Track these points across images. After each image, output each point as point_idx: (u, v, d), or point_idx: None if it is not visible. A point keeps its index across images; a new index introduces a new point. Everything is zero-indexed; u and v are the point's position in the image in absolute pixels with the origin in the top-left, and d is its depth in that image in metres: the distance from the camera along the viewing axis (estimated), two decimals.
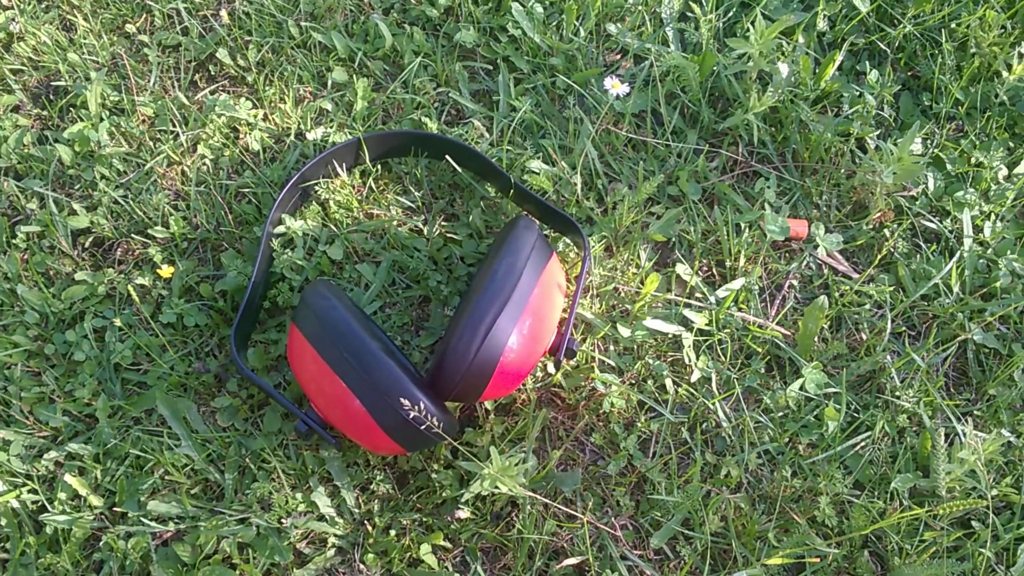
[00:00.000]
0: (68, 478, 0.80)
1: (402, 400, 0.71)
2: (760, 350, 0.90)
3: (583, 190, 0.96)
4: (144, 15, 1.05)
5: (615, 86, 0.93)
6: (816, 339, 0.91)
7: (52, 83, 1.01)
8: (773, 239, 0.94)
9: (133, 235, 0.92)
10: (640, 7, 1.07)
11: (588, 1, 1.05)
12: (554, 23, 1.06)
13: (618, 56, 1.06)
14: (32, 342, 0.86)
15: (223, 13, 1.04)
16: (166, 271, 0.88)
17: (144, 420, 0.84)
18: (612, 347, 0.90)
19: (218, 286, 0.90)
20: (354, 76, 1.02)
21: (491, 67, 1.04)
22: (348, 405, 0.73)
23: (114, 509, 0.80)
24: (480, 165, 0.94)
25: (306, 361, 0.75)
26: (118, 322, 0.87)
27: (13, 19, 1.02)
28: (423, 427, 0.72)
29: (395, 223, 0.93)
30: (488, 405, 0.85)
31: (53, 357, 0.86)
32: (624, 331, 0.90)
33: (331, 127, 0.98)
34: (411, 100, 1.01)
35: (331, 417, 0.76)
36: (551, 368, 0.87)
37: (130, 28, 1.03)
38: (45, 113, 0.99)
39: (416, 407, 0.71)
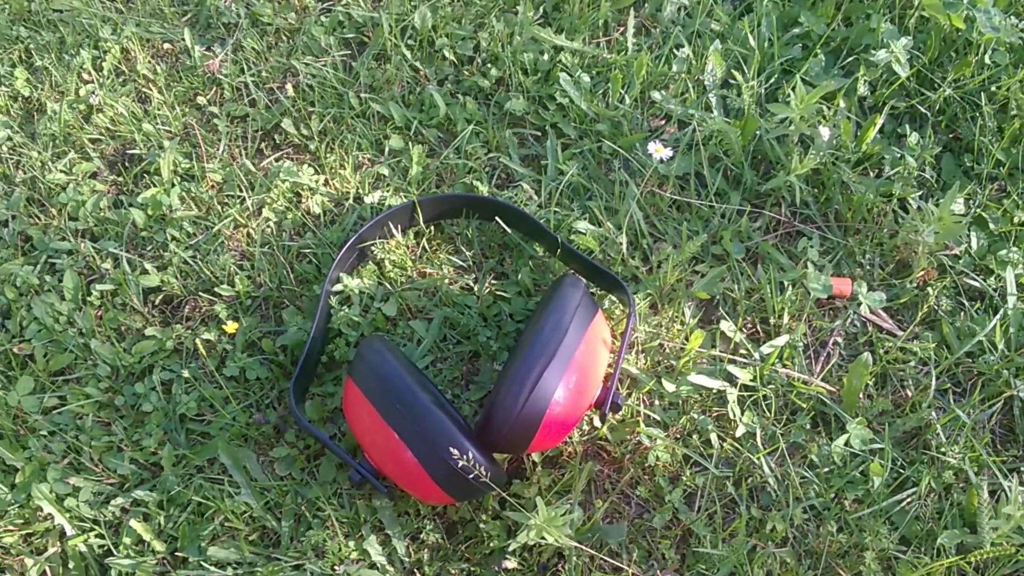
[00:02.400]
0: (133, 523, 0.84)
1: (451, 450, 0.74)
2: (805, 406, 0.92)
3: (628, 250, 1.00)
4: (214, 88, 1.13)
5: (658, 150, 0.98)
6: (861, 395, 0.93)
7: (128, 151, 1.08)
8: (816, 297, 0.96)
9: (200, 293, 0.98)
10: (684, 75, 1.12)
11: (633, 70, 1.10)
12: (600, 91, 1.11)
13: (662, 122, 1.11)
14: (103, 394, 0.92)
15: (288, 86, 1.11)
16: (231, 327, 0.93)
17: (207, 468, 0.89)
18: (657, 402, 0.93)
19: (279, 341, 0.95)
20: (410, 143, 1.08)
21: (539, 133, 1.10)
22: (400, 455, 0.77)
23: (176, 554, 0.84)
24: (529, 226, 0.99)
25: (361, 413, 0.80)
26: (186, 374, 0.92)
27: (93, 92, 1.10)
28: (471, 477, 0.75)
29: (447, 281, 0.98)
30: (535, 457, 0.88)
31: (122, 408, 0.92)
32: (669, 386, 0.93)
33: (387, 191, 1.04)
34: (463, 165, 1.06)
35: (384, 467, 0.80)
36: (597, 422, 0.90)
37: (201, 100, 1.11)
38: (120, 179, 1.06)
39: (464, 457, 0.74)
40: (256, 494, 0.86)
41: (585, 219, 1.02)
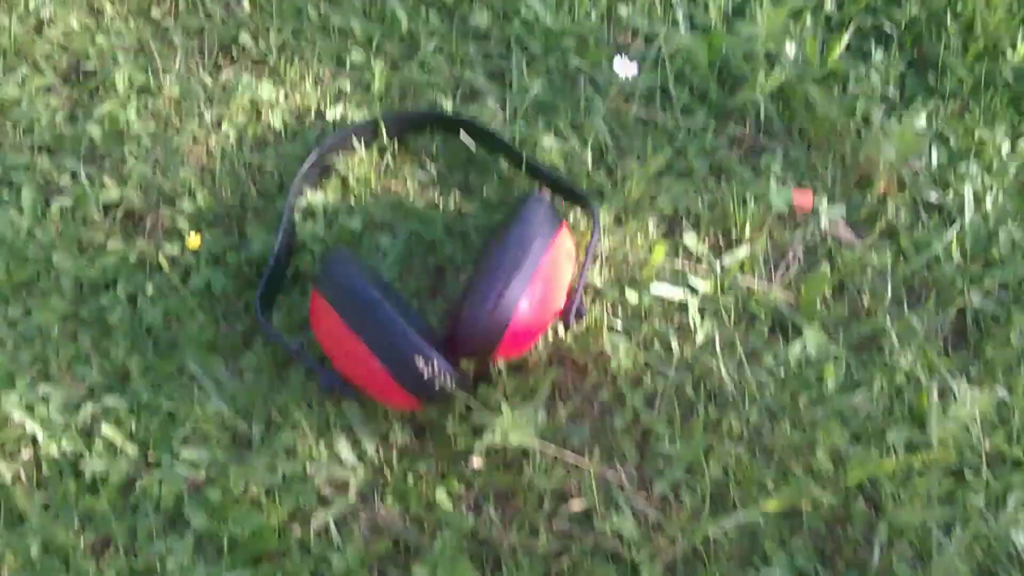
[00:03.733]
0: (105, 429, 0.92)
1: (417, 357, 0.83)
2: (763, 314, 1.01)
3: (594, 165, 1.08)
4: (168, 1, 1.18)
5: (623, 67, 1.06)
6: (818, 303, 1.02)
7: (82, 67, 1.14)
8: (778, 210, 1.05)
9: (162, 206, 1.05)
10: None
11: None
12: (566, 6, 1.19)
13: (629, 37, 1.19)
14: (68, 305, 0.99)
15: (244, 1, 1.18)
16: (194, 241, 1.01)
17: (176, 377, 0.97)
18: (620, 311, 1.02)
19: (244, 254, 1.02)
20: (371, 57, 1.15)
21: (504, 48, 1.17)
22: (368, 363, 0.85)
23: (148, 458, 0.92)
24: (493, 141, 1.07)
25: (327, 323, 0.88)
26: (150, 290, 0.99)
27: (44, 4, 1.16)
28: (436, 383, 0.84)
29: (411, 195, 1.06)
30: (501, 365, 0.97)
31: (88, 320, 0.99)
32: (632, 296, 1.02)
33: (350, 105, 1.11)
34: (426, 80, 1.14)
35: (352, 375, 0.89)
36: (562, 331, 0.99)
37: (155, 13, 1.17)
38: (75, 94, 1.12)
39: (430, 364, 0.83)
40: (227, 399, 0.95)
41: (550, 135, 1.10)
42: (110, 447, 0.92)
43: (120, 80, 1.11)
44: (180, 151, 1.08)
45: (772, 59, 1.15)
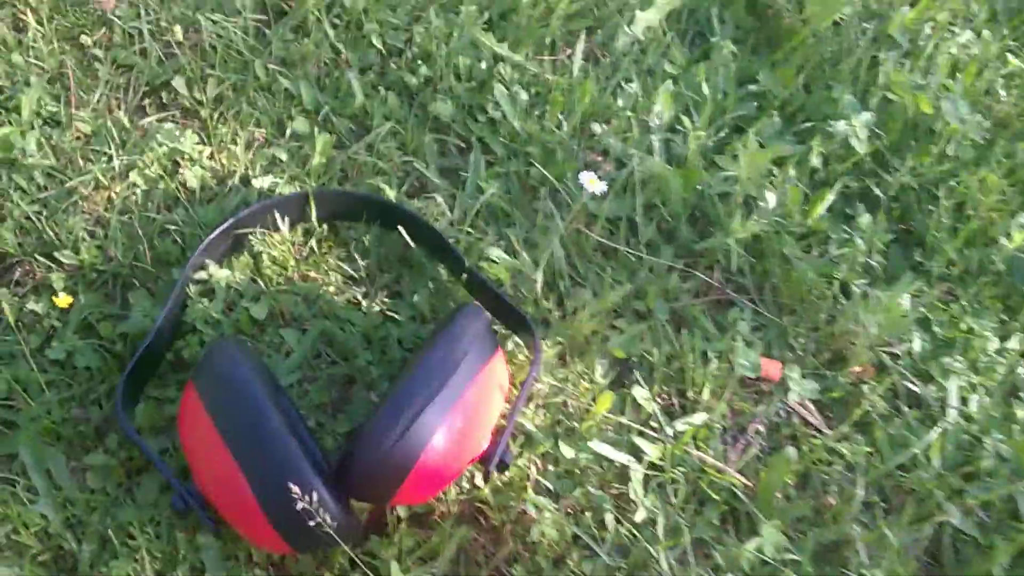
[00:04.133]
0: None
1: (294, 487, 0.64)
2: (716, 497, 0.85)
3: (543, 289, 0.93)
4: (103, 29, 1.02)
5: (592, 182, 0.91)
6: (779, 494, 0.86)
7: None
8: (743, 375, 0.90)
9: (37, 256, 0.86)
10: (629, 112, 1.06)
11: (576, 96, 1.04)
12: (537, 112, 1.04)
13: (599, 157, 1.04)
14: None
15: (182, 38, 1.01)
16: (63, 300, 0.82)
17: (1, 465, 0.76)
18: (551, 467, 0.85)
19: (120, 327, 0.84)
20: (316, 129, 0.99)
21: (464, 145, 1.02)
22: (233, 484, 0.66)
23: None
24: (436, 243, 0.91)
25: (197, 427, 0.69)
26: None
27: None
28: (315, 523, 0.65)
29: (331, 289, 0.89)
30: (401, 512, 0.79)
31: None
32: (567, 451, 0.85)
33: (281, 177, 0.95)
34: (373, 164, 0.98)
35: (214, 496, 0.70)
36: (479, 480, 0.81)
37: (85, 40, 1.00)
38: None
39: (309, 498, 0.64)
40: (57, 505, 0.74)
41: (500, 247, 0.94)
42: None
43: (26, 104, 0.93)
44: (75, 195, 0.90)
45: (749, 205, 1.02)
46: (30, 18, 1.00)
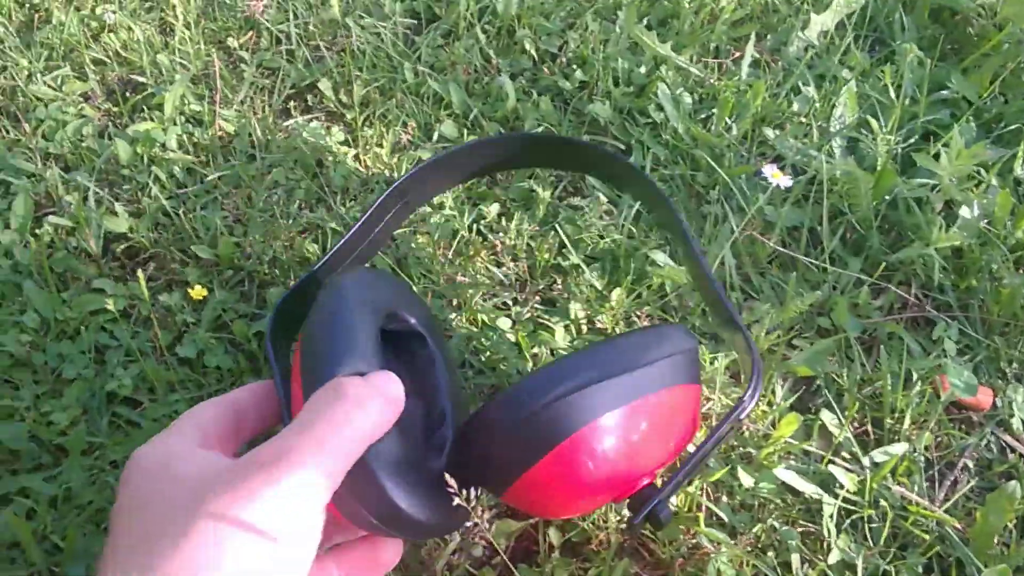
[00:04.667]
0: (10, 518, 0.62)
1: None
2: (924, 539, 0.69)
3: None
4: (250, 32, 0.96)
5: (776, 175, 0.78)
6: (996, 540, 0.70)
7: (131, 80, 0.91)
8: (951, 399, 0.74)
9: (173, 249, 0.78)
10: (804, 118, 0.93)
11: (747, 99, 0.92)
12: (702, 116, 0.93)
13: (772, 164, 0.91)
14: (21, 347, 0.71)
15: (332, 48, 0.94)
16: (198, 292, 0.73)
17: (123, 466, 0.67)
18: (726, 498, 0.71)
19: (255, 327, 0.74)
20: (465, 133, 0.90)
21: (623, 148, 0.91)
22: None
23: (55, 570, 0.62)
24: (644, 190, 0.77)
25: (294, 381, 0.50)
26: (128, 341, 0.72)
27: (112, 11, 0.94)
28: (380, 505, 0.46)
29: (479, 293, 0.78)
30: (553, 538, 0.66)
31: (40, 370, 0.71)
32: (746, 479, 0.70)
33: None
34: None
35: None
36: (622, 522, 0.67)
37: (232, 42, 0.94)
38: (116, 109, 0.88)
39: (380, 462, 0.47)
40: None
41: (664, 252, 0.81)
42: (11, 546, 0.63)
43: (170, 101, 0.87)
44: (215, 192, 0.82)
45: (949, 215, 0.87)
46: (178, 21, 0.95)
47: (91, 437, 0.68)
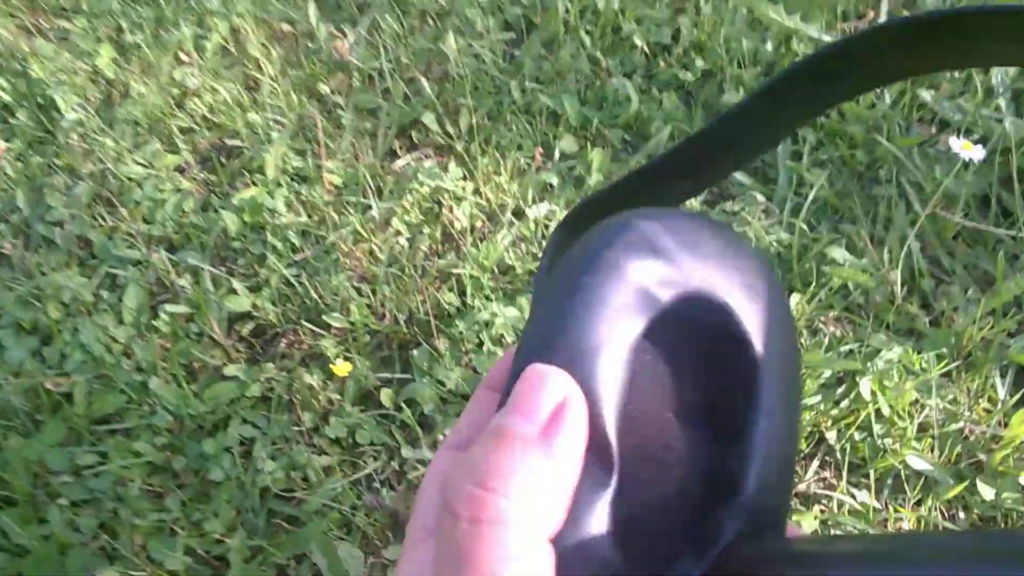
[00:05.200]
0: None
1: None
2: None
3: (904, 292, 0.70)
4: (340, 74, 0.89)
5: (967, 147, 0.69)
6: None
7: (225, 144, 0.85)
8: None
9: (303, 323, 0.71)
10: (958, 73, 0.83)
11: None
12: None
13: (933, 129, 0.81)
14: (159, 452, 0.66)
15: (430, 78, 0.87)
16: (341, 368, 0.67)
17: (291, 569, 0.61)
18: (963, 514, 0.61)
19: (404, 393, 0.67)
20: (588, 145, 0.82)
21: None
22: None
23: None
24: None
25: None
26: (275, 431, 0.65)
27: (191, 75, 0.88)
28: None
29: None
30: None
31: (182, 474, 0.65)
32: (986, 491, 0.61)
33: (558, 203, 0.77)
34: None
35: None
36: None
37: (323, 88, 0.88)
38: (213, 178, 0.82)
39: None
40: None
41: (841, 247, 0.72)
42: None
43: (271, 162, 0.81)
44: (335, 252, 0.76)
45: None
46: (263, 74, 0.89)
47: (250, 541, 0.62)
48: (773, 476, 0.29)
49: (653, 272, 0.29)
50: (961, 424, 0.65)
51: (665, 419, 0.29)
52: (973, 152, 0.69)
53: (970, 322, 0.67)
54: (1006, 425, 0.64)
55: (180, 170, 0.83)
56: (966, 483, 0.62)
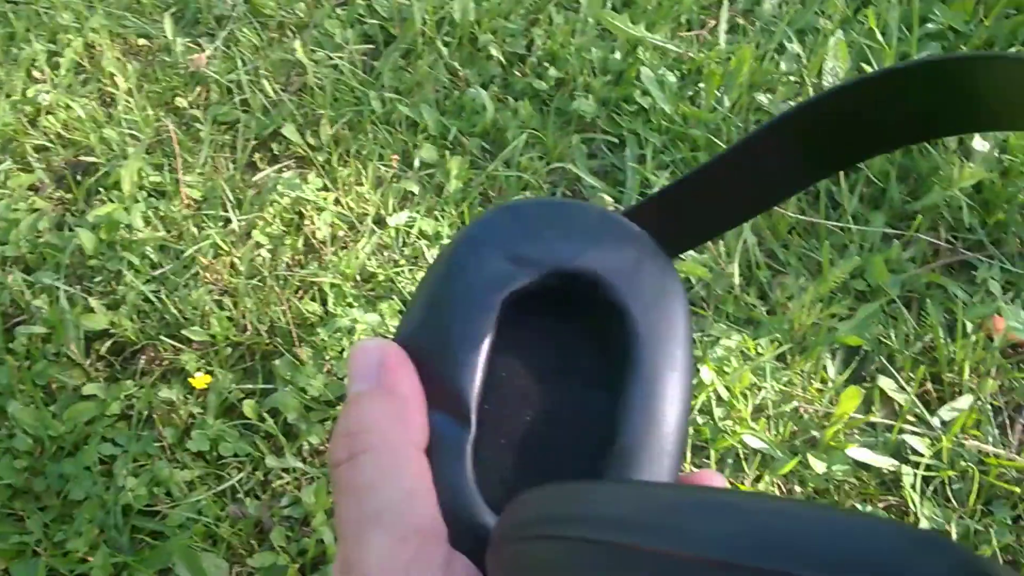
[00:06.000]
0: None
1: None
2: (1015, 490, 0.65)
3: (742, 284, 0.75)
4: (198, 88, 0.90)
5: None
6: None
7: (81, 161, 0.85)
8: (1017, 340, 0.71)
9: (162, 338, 0.72)
10: (794, 76, 0.89)
11: (732, 67, 0.87)
12: (689, 93, 0.88)
13: None
14: (18, 475, 0.65)
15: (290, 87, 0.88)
16: (200, 380, 0.68)
17: None
18: (799, 487, 0.66)
19: (266, 404, 0.69)
20: (447, 154, 0.85)
21: (616, 141, 0.86)
22: None
23: None
24: None
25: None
26: (136, 447, 0.66)
27: (44, 91, 0.87)
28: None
29: None
30: None
31: (44, 496, 0.65)
32: (818, 465, 0.66)
33: (418, 211, 0.80)
34: (516, 178, 0.82)
35: None
36: None
37: (181, 102, 0.88)
38: (69, 195, 0.82)
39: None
40: None
41: None
42: None
43: (127, 177, 0.81)
44: (194, 266, 0.77)
45: (964, 152, 0.83)
46: (119, 89, 0.89)
47: (114, 558, 0.63)
48: (655, 433, 0.30)
49: (518, 247, 0.31)
50: (795, 404, 0.70)
51: (540, 381, 0.31)
52: None
53: (801, 308, 0.73)
54: (836, 403, 0.70)
55: (34, 189, 0.83)
56: (799, 458, 0.67)
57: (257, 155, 0.86)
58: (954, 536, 0.63)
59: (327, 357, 0.71)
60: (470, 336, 0.29)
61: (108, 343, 0.73)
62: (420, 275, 0.75)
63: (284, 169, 0.84)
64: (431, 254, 0.77)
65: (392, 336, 0.31)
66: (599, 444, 0.30)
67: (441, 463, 0.28)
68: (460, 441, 0.28)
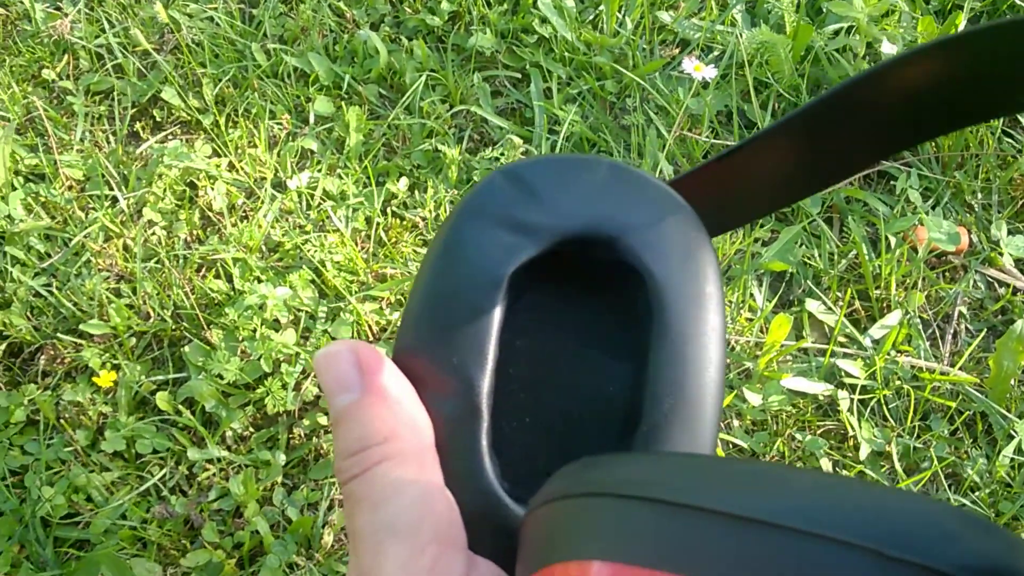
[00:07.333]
0: None
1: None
2: (951, 405, 0.67)
3: None
4: (66, 56, 0.84)
5: (698, 68, 0.73)
6: (1013, 382, 0.69)
7: None
8: (940, 250, 0.72)
9: (60, 335, 0.69)
10: None
11: None
12: (590, 18, 0.86)
13: (676, 50, 0.86)
14: None
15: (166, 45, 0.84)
16: (105, 378, 0.65)
17: None
18: (736, 422, 0.68)
19: (181, 393, 0.67)
20: (343, 106, 0.82)
21: (518, 77, 0.84)
22: None
23: None
24: None
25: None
26: (47, 455, 0.63)
27: None
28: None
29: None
30: None
31: None
32: (753, 397, 0.67)
33: (318, 169, 0.77)
34: (420, 125, 0.80)
35: None
36: None
37: (48, 74, 0.83)
38: None
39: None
40: None
41: None
42: None
43: (0, 163, 0.76)
44: (85, 253, 0.73)
45: (876, 56, 0.83)
46: None
47: (38, 574, 0.61)
48: (688, 405, 0.28)
49: (521, 215, 0.29)
50: (727, 336, 0.71)
51: (559, 357, 0.30)
52: (705, 71, 0.74)
53: (724, 236, 0.73)
54: (767, 331, 0.70)
55: None
56: (735, 392, 0.68)
57: (138, 124, 0.81)
58: (895, 455, 0.65)
59: (239, 338, 0.68)
60: (477, 319, 0.28)
61: (2, 346, 0.70)
62: (329, 240, 0.73)
63: (169, 137, 0.80)
64: (339, 216, 0.74)
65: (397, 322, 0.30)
66: (625, 420, 0.28)
67: (456, 458, 0.27)
68: (475, 432, 0.27)
